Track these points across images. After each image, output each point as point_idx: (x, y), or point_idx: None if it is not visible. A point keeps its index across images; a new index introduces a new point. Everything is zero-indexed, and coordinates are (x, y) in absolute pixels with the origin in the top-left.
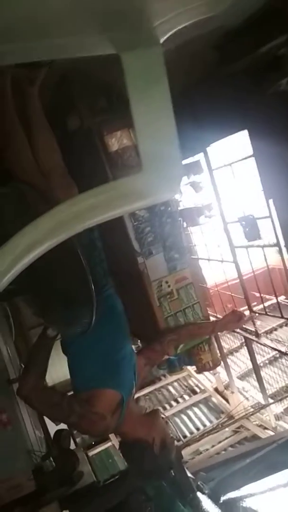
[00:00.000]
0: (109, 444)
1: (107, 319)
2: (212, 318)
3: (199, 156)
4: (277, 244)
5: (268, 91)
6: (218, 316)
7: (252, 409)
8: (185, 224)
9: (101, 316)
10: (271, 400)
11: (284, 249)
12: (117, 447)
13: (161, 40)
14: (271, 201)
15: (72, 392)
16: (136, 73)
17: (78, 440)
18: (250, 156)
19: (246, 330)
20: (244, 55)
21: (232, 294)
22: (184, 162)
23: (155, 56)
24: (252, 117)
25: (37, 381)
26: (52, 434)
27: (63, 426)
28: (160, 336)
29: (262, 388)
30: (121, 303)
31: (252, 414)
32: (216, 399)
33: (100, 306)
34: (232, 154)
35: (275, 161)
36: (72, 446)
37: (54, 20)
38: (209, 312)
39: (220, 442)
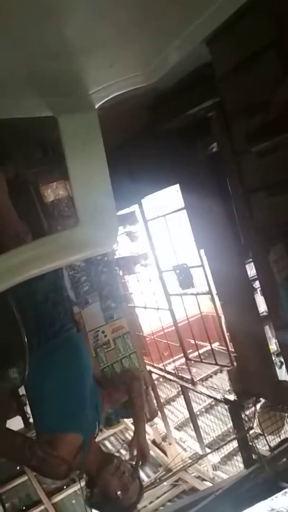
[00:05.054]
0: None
1: (66, 361)
2: (148, 367)
3: (135, 207)
4: (209, 292)
5: (202, 154)
6: (155, 364)
7: (190, 460)
8: (121, 273)
9: (60, 358)
10: (208, 450)
11: (216, 297)
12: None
13: (97, 106)
14: (202, 251)
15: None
16: (72, 135)
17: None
18: (182, 209)
19: (182, 378)
20: (175, 115)
21: (168, 342)
22: (120, 212)
23: (91, 119)
24: (184, 173)
25: None
26: None
27: None
28: (122, 375)
29: (199, 438)
30: (82, 341)
31: (190, 466)
32: (154, 452)
33: (58, 348)
34: (166, 206)
35: (205, 213)
36: None
37: None
38: (145, 361)
39: (158, 497)
